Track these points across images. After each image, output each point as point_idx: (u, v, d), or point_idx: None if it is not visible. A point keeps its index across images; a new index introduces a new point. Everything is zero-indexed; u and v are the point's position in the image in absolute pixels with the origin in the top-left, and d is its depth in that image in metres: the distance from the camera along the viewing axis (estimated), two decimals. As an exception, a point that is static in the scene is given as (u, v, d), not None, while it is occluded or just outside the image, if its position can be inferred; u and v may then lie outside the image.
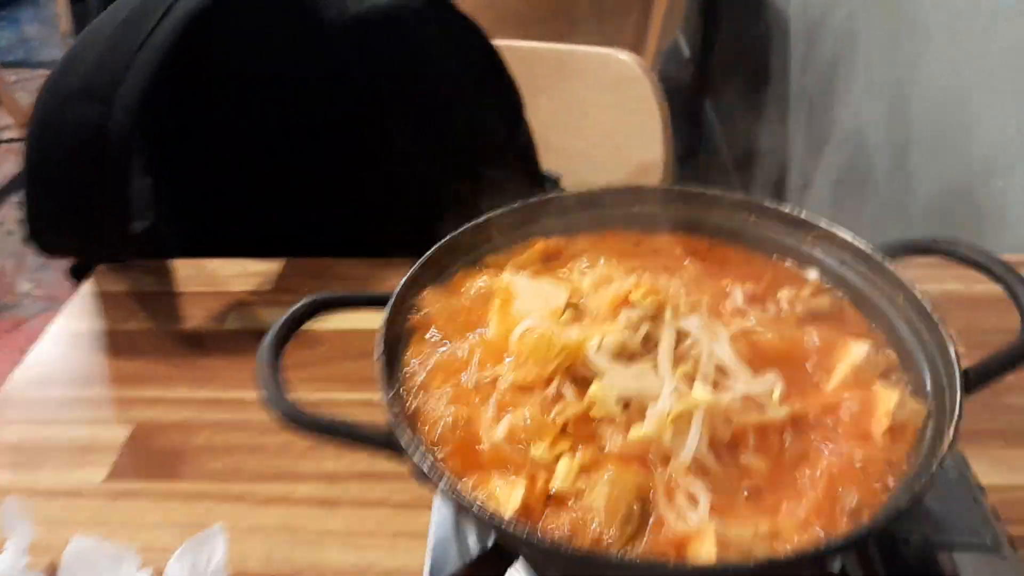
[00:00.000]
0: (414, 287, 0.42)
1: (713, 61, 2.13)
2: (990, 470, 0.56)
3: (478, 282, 0.44)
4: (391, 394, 0.36)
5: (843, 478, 0.33)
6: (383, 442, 0.36)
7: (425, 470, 0.33)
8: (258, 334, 0.70)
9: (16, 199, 2.67)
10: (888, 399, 0.36)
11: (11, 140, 3.00)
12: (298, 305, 0.42)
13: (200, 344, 0.70)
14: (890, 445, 0.35)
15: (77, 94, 0.63)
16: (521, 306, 0.41)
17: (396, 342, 0.41)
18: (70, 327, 0.72)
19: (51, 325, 0.73)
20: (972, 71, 1.06)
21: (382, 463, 0.57)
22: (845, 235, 0.43)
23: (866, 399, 0.36)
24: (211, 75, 0.71)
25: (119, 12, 0.67)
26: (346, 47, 0.68)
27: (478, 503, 0.31)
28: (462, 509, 0.32)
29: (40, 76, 3.48)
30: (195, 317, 0.73)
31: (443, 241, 0.44)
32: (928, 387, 0.38)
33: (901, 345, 0.40)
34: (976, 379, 0.36)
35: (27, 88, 3.33)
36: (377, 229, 0.79)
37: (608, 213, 0.48)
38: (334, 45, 0.69)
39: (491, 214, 0.46)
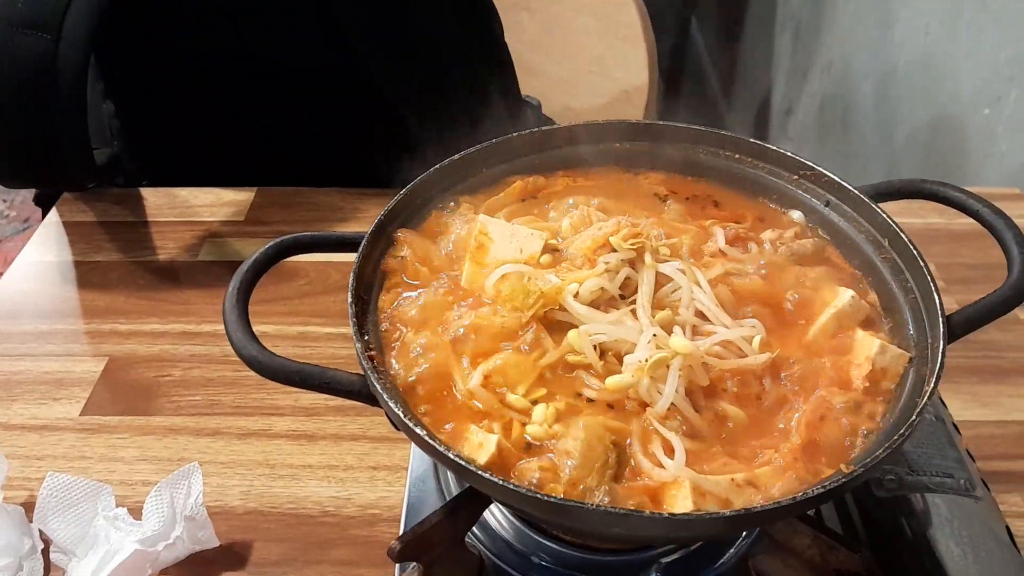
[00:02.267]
0: (386, 229, 0.41)
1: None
2: (963, 407, 0.57)
3: (453, 224, 0.42)
4: (363, 343, 0.36)
5: (822, 426, 0.33)
6: (357, 392, 0.35)
7: (399, 422, 0.33)
8: (232, 265, 0.69)
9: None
10: (869, 345, 0.36)
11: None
12: (264, 248, 0.41)
13: (173, 276, 0.68)
14: (870, 392, 0.35)
15: (21, 24, 0.59)
16: (497, 251, 0.40)
17: (370, 286, 0.39)
18: (38, 258, 0.70)
19: (18, 257, 0.71)
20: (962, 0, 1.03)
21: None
22: (831, 176, 0.42)
23: (847, 345, 0.36)
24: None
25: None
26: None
27: (452, 454, 0.31)
28: (437, 459, 0.31)
29: None
30: (167, 248, 0.71)
31: (415, 181, 0.43)
32: (911, 332, 0.37)
33: (884, 288, 0.39)
34: (959, 327, 0.36)
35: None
36: (347, 157, 0.77)
37: (587, 150, 0.46)
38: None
39: (465, 152, 0.44)
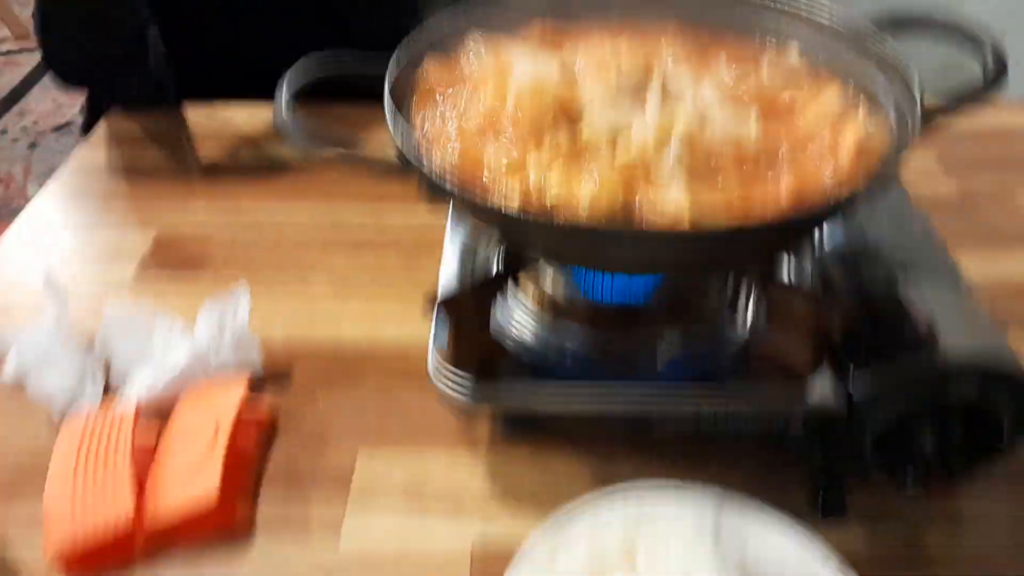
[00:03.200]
0: (409, 53, 0.45)
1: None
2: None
3: (476, 54, 0.47)
4: (400, 128, 0.39)
5: (811, 184, 0.37)
6: (396, 166, 0.39)
7: (436, 178, 0.37)
8: (270, 165, 0.74)
9: (18, 109, 2.68)
10: (856, 130, 0.39)
11: (9, 52, 2.99)
12: (298, 67, 0.44)
13: (215, 172, 0.73)
14: (854, 166, 0.38)
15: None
16: (517, 72, 0.44)
17: (401, 98, 0.43)
18: (88, 158, 0.75)
19: (70, 156, 0.76)
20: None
21: (391, 259, 0.62)
22: (823, 17, 0.46)
23: (835, 131, 0.40)
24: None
25: None
26: None
27: (485, 196, 0.34)
28: (470, 206, 0.35)
29: None
30: (209, 153, 0.76)
31: (432, 23, 0.47)
32: (893, 126, 0.41)
33: (871, 92, 0.43)
34: (932, 114, 0.40)
35: (21, 1, 3.30)
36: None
37: (601, 5, 0.50)
38: None
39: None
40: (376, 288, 0.60)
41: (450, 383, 0.42)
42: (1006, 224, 0.65)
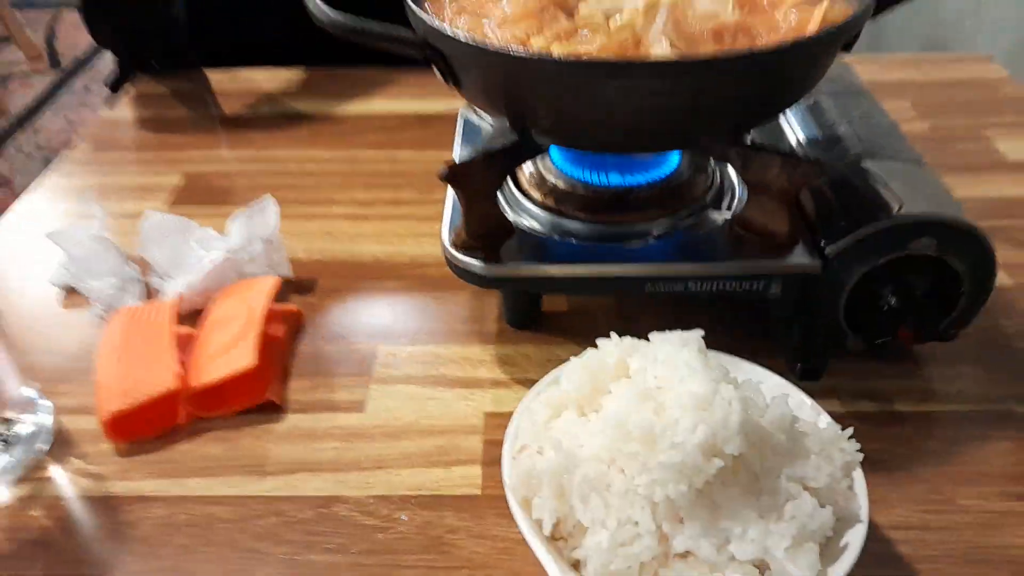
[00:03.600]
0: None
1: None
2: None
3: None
4: (415, 5, 0.44)
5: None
6: (416, 40, 0.43)
7: (450, 31, 0.41)
8: (290, 116, 0.79)
9: (32, 127, 2.75)
10: (822, 9, 0.44)
11: (24, 73, 3.07)
12: None
13: (238, 124, 0.78)
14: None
15: None
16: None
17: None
18: (118, 115, 0.81)
19: (98, 116, 0.81)
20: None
21: (404, 192, 0.67)
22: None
23: (804, 13, 0.45)
24: None
25: None
26: None
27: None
28: (483, 57, 0.39)
29: (45, 15, 3.54)
30: (231, 107, 0.81)
31: None
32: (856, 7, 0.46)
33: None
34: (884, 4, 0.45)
35: (34, 26, 3.40)
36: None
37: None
38: None
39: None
40: (391, 213, 0.65)
41: (463, 258, 0.46)
42: (973, 154, 0.70)
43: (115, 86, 0.88)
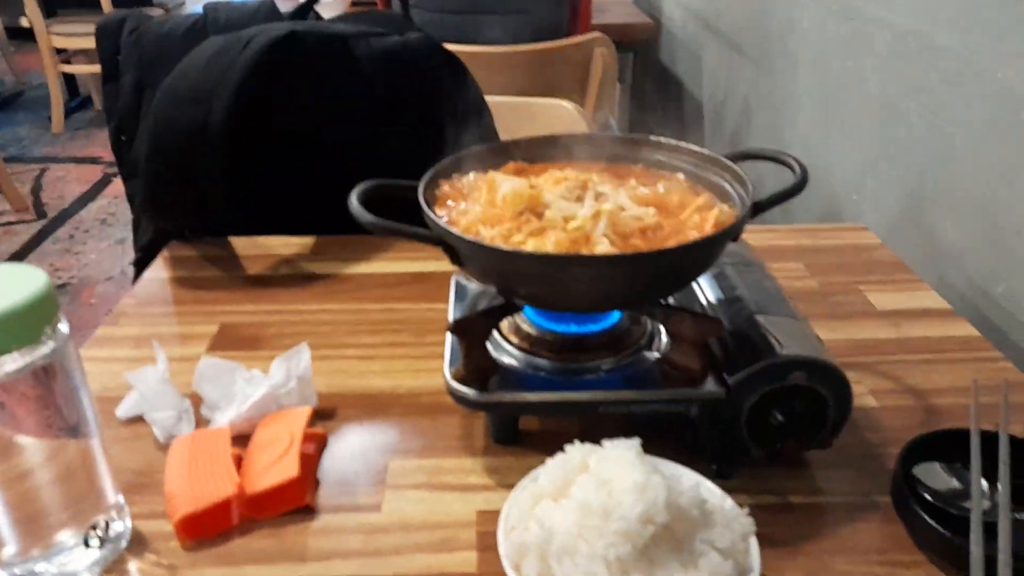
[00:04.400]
0: (434, 179, 0.68)
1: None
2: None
3: (473, 180, 0.70)
4: (431, 212, 0.61)
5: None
6: (430, 235, 0.60)
7: (459, 233, 0.58)
8: (306, 277, 0.95)
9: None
10: (715, 214, 0.63)
11: (8, 223, 3.23)
12: (363, 185, 0.67)
13: (261, 282, 0.94)
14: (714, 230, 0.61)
15: (186, 98, 0.90)
16: (502, 184, 0.67)
17: (429, 203, 0.66)
18: (157, 276, 0.96)
19: (142, 276, 0.96)
20: (831, 124, 1.40)
21: (404, 336, 0.82)
22: (702, 150, 0.71)
23: (703, 216, 0.63)
24: (275, 98, 0.99)
25: (208, 47, 0.95)
26: (374, 74, 0.97)
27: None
28: (479, 252, 0.56)
29: (31, 170, 3.74)
30: (253, 268, 0.97)
31: (446, 160, 0.71)
32: (739, 212, 0.64)
33: (727, 196, 0.67)
34: (762, 206, 0.64)
35: (21, 180, 3.60)
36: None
37: (552, 150, 0.75)
38: (365, 73, 0.97)
39: (476, 148, 0.73)
40: (393, 354, 0.80)
41: (461, 388, 0.61)
42: (850, 304, 0.89)
43: (149, 250, 1.04)
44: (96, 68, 3.01)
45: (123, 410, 0.71)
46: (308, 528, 0.60)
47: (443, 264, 0.97)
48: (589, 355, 0.65)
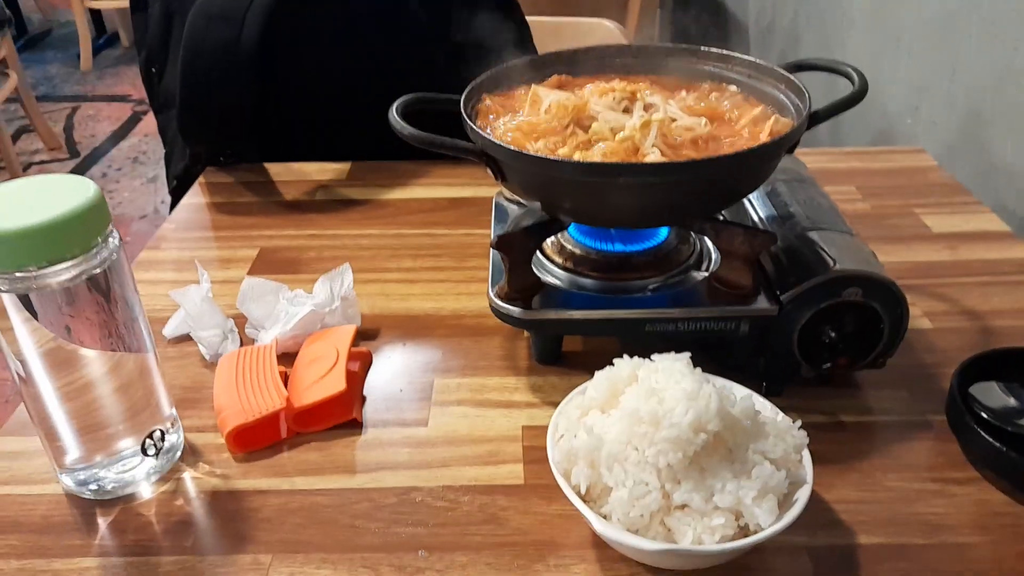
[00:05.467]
0: (475, 92, 0.66)
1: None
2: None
3: (516, 93, 0.68)
4: (473, 124, 0.60)
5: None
6: (474, 148, 0.59)
7: (503, 144, 0.57)
8: (343, 202, 0.94)
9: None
10: (771, 124, 0.60)
11: (43, 162, 3.26)
12: (403, 98, 0.65)
13: (298, 207, 0.94)
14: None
15: (217, 16, 0.88)
16: (546, 97, 0.65)
17: (471, 116, 0.64)
18: (194, 201, 0.96)
19: (179, 204, 0.96)
20: (886, 44, 1.34)
21: (444, 260, 0.81)
22: (756, 60, 0.68)
23: (757, 127, 0.61)
24: (300, 24, 0.96)
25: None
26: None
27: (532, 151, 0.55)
28: (526, 163, 0.55)
29: (63, 108, 3.76)
30: (290, 194, 0.97)
31: (487, 73, 0.68)
32: (795, 123, 0.62)
33: (783, 107, 0.64)
34: (819, 116, 0.61)
35: (53, 119, 3.62)
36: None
37: (596, 63, 0.73)
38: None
39: (518, 60, 0.70)
40: (434, 278, 0.79)
41: (506, 306, 0.61)
42: (905, 228, 0.86)
43: (185, 177, 1.04)
44: (123, 3, 2.99)
45: (170, 329, 0.71)
46: (356, 442, 0.60)
47: (481, 189, 0.96)
48: (635, 274, 0.64)
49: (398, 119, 0.61)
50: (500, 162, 0.58)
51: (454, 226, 0.89)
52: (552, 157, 0.55)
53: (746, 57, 0.68)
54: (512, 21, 1.01)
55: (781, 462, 0.47)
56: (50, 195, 0.46)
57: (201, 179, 1.00)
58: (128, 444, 0.55)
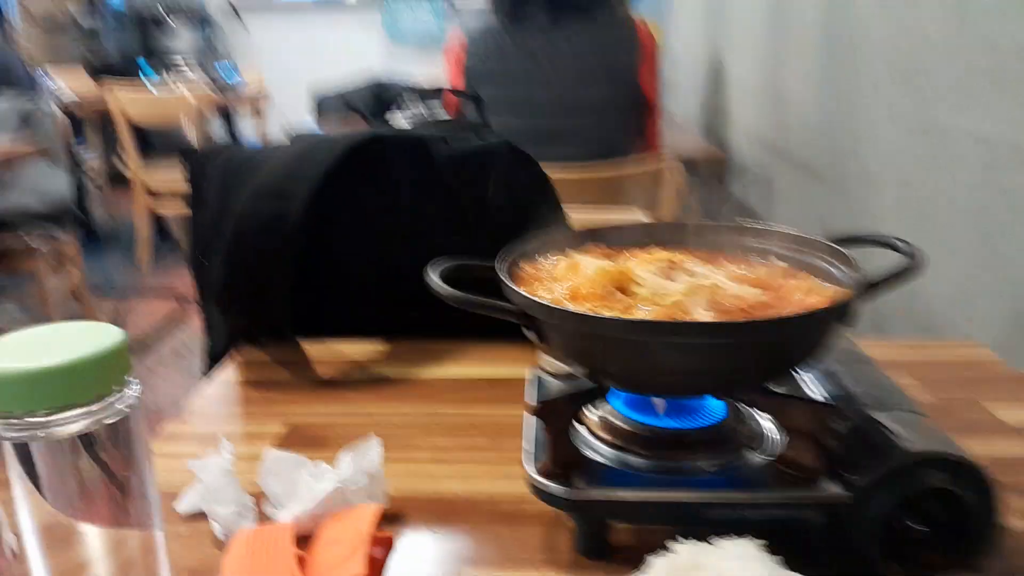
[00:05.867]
0: (513, 259, 0.65)
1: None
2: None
3: (555, 263, 0.67)
4: (512, 284, 0.58)
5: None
6: (515, 311, 0.57)
7: (545, 302, 0.54)
8: (377, 381, 0.92)
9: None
10: (829, 292, 0.58)
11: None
12: (441, 262, 0.64)
13: (331, 385, 0.91)
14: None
15: (269, 193, 0.91)
16: (585, 263, 0.64)
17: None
18: (226, 378, 0.94)
19: (211, 378, 0.94)
20: (922, 241, 1.35)
21: (479, 440, 0.77)
22: (799, 232, 0.67)
23: (813, 297, 0.58)
24: (355, 199, 1.00)
25: (296, 146, 0.97)
26: (452, 175, 0.97)
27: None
28: (568, 321, 0.52)
29: (113, 303, 3.91)
30: (326, 372, 0.94)
31: (527, 241, 0.68)
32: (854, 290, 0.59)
33: (833, 279, 0.62)
34: (876, 286, 0.58)
35: (102, 310, 3.76)
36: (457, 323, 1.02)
37: (636, 237, 0.72)
38: (444, 174, 0.97)
39: (558, 232, 0.70)
40: (468, 458, 0.74)
41: (547, 483, 0.55)
42: (976, 421, 0.80)
43: (218, 356, 1.03)
44: (184, 210, 3.22)
45: (184, 504, 0.66)
46: (373, 640, 0.53)
47: (519, 368, 0.92)
48: (689, 453, 0.58)
49: (437, 280, 0.59)
50: (540, 322, 0.56)
51: (491, 404, 0.85)
52: (597, 314, 0.52)
53: (788, 230, 0.67)
54: (548, 197, 1.03)
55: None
56: (71, 339, 0.44)
57: (236, 356, 0.99)
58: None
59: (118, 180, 5.28)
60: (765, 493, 0.54)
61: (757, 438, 0.61)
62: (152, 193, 4.33)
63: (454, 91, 1.59)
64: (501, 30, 2.11)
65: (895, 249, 0.63)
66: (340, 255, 1.02)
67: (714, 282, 0.58)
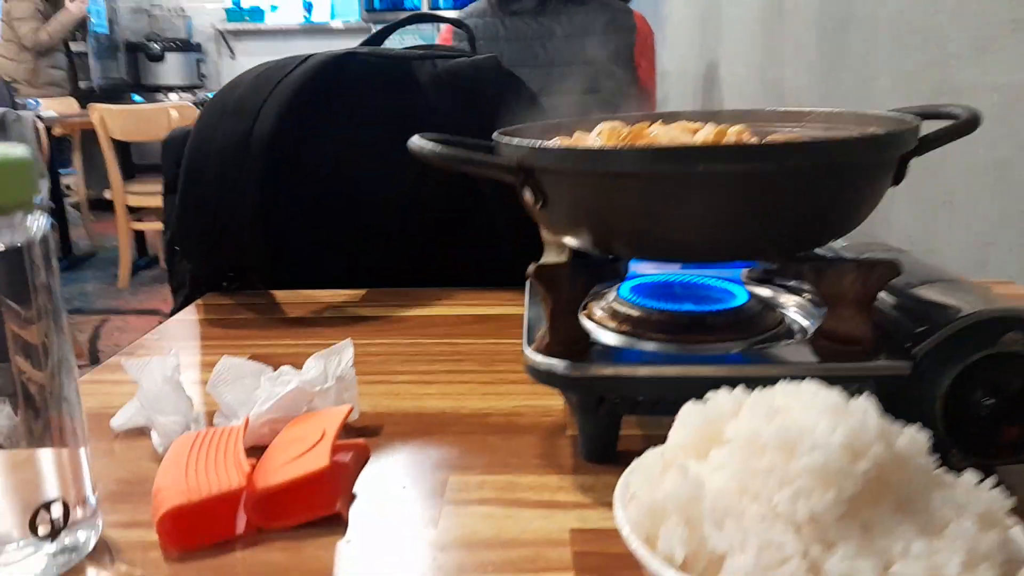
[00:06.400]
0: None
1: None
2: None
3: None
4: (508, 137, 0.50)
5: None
6: (510, 165, 0.48)
7: (548, 144, 0.46)
8: (352, 319, 0.83)
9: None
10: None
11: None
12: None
13: (302, 323, 0.82)
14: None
15: (231, 111, 0.83)
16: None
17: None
18: (189, 317, 0.85)
19: (169, 320, 0.85)
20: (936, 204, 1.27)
21: (466, 365, 0.68)
22: (830, 110, 0.59)
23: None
24: (327, 123, 0.91)
25: (261, 65, 0.89)
26: (437, 94, 0.89)
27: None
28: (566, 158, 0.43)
29: (92, 320, 3.79)
30: (295, 312, 0.85)
31: (527, 124, 0.60)
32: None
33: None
34: (929, 142, 0.50)
35: (80, 328, 3.63)
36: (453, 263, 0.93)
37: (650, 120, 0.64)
38: (427, 94, 0.89)
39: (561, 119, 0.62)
40: (454, 379, 0.65)
41: (547, 360, 0.46)
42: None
43: (184, 304, 0.93)
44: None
45: (120, 419, 0.56)
46: (336, 542, 0.43)
47: (511, 307, 0.84)
48: (710, 336, 0.50)
49: (419, 138, 0.51)
50: (541, 179, 0.47)
51: (479, 336, 0.76)
52: (611, 148, 0.44)
53: (820, 109, 0.60)
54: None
55: (988, 519, 0.30)
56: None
57: (198, 301, 0.90)
58: (9, 525, 0.39)
59: (100, 206, 5.19)
60: (805, 366, 0.45)
61: (785, 323, 0.52)
62: (132, 210, 4.24)
63: (447, 19, 1.52)
64: (492, 16, 2.06)
65: (947, 116, 0.55)
66: (311, 189, 0.93)
67: (742, 129, 0.50)
